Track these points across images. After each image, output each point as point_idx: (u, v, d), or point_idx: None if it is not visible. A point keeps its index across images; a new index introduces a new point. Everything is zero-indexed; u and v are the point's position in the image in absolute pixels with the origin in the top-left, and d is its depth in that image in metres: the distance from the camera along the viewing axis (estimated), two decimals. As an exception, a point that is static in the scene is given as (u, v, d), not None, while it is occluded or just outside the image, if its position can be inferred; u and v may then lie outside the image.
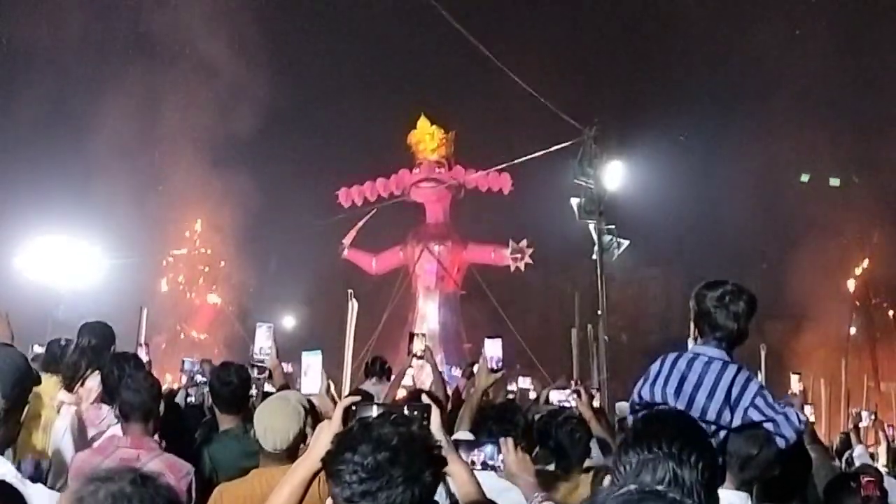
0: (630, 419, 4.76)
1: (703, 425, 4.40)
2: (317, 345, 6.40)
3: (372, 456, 2.59)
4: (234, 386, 6.43)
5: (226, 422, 6.36)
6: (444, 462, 2.79)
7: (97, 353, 6.48)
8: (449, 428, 5.87)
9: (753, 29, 36.32)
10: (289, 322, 35.82)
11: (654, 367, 4.74)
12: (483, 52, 23.86)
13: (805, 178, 38.26)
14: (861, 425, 10.64)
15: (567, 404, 6.96)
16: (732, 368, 4.52)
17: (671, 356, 4.73)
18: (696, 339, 4.75)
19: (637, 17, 35.12)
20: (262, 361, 7.48)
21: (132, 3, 32.87)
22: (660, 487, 2.16)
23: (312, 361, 6.02)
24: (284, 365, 7.95)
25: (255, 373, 8.88)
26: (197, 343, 34.23)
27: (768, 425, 4.41)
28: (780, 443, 4.44)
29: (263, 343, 7.28)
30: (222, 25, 32.38)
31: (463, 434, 5.39)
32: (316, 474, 3.11)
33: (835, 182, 37.76)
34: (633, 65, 35.86)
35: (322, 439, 3.03)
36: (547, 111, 20.97)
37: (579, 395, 7.09)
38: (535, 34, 34.38)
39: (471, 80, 31.55)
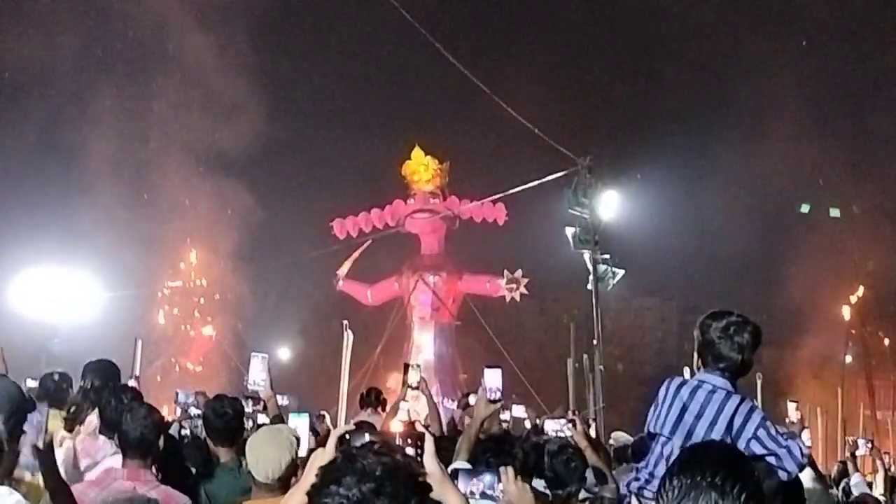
0: (651, 449, 4.74)
1: None
2: (306, 408, 6.37)
3: (357, 487, 2.57)
4: (229, 417, 6.41)
5: (221, 455, 6.34)
6: (430, 489, 2.78)
7: (99, 393, 6.47)
8: (446, 459, 5.85)
9: (749, 59, 36.61)
10: (284, 353, 35.76)
11: (661, 393, 4.73)
12: (477, 84, 23.99)
13: (805, 208, 38.30)
14: (858, 453, 10.59)
15: (562, 434, 6.95)
16: (736, 399, 4.51)
17: (676, 382, 4.71)
18: (698, 369, 4.73)
19: (632, 49, 35.36)
20: (256, 392, 7.45)
21: (126, 33, 32.90)
22: None
23: (299, 423, 5.96)
24: (279, 397, 7.92)
25: (249, 405, 8.84)
26: (192, 374, 34.14)
27: (771, 458, 4.40)
28: (783, 476, 4.42)
29: (258, 373, 7.26)
30: (218, 59, 32.48)
31: (461, 464, 5.37)
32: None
33: (835, 213, 37.81)
34: (627, 95, 36.12)
35: (316, 466, 3.04)
36: (541, 142, 21.06)
37: (575, 425, 7.08)
38: (530, 66, 34.68)
39: (465, 111, 31.77)
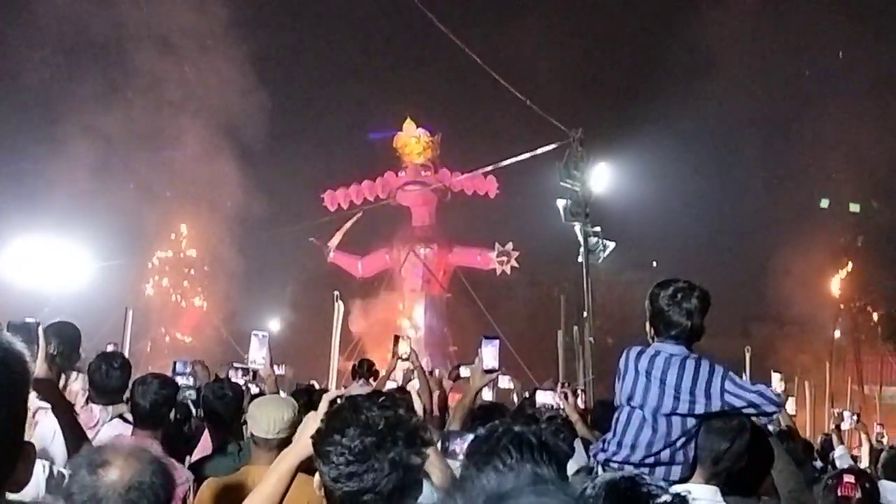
0: (613, 419, 4.77)
1: (677, 419, 4.44)
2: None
3: (359, 439, 2.66)
4: (228, 399, 6.40)
5: (218, 437, 6.31)
6: (430, 444, 2.83)
7: (66, 358, 6.41)
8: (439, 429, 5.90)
9: (746, 31, 36.56)
10: (274, 325, 35.77)
11: (622, 363, 4.76)
12: (469, 56, 23.93)
13: (825, 203, 38.34)
14: (843, 426, 10.65)
15: (554, 405, 7.00)
16: (692, 360, 4.53)
17: (634, 350, 4.73)
18: (652, 339, 4.75)
19: (624, 21, 35.23)
20: (255, 371, 7.48)
21: (117, 11, 32.73)
22: None
23: None
24: (276, 367, 7.94)
25: (239, 376, 8.87)
26: (182, 345, 34.17)
27: (749, 410, 4.44)
28: (764, 420, 4.47)
29: (258, 351, 7.30)
30: (206, 27, 32.35)
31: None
32: (303, 463, 3.15)
33: (854, 208, 37.87)
34: (619, 68, 35.98)
35: (309, 427, 3.08)
36: (533, 114, 21.04)
37: (566, 397, 7.13)
38: (522, 38, 34.46)
39: (458, 84, 31.59)
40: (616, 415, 4.69)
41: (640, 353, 4.67)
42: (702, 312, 4.58)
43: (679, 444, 4.40)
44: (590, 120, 22.13)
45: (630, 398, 4.61)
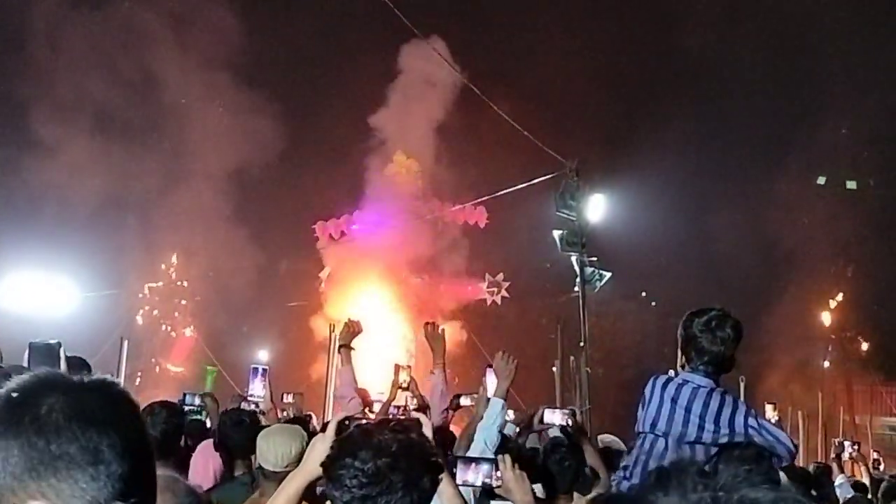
0: (636, 446, 4.78)
1: (700, 448, 4.45)
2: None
3: (372, 462, 2.65)
4: (246, 426, 6.35)
5: (234, 468, 6.25)
6: (442, 469, 2.84)
7: None
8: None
9: (734, 62, 36.77)
10: (264, 355, 35.64)
11: (647, 391, 4.77)
12: (465, 83, 24.01)
13: (822, 180, 38.72)
14: (844, 456, 10.65)
15: (563, 424, 6.97)
16: (718, 394, 4.56)
17: (661, 379, 4.75)
18: (682, 367, 4.76)
19: (621, 50, 35.40)
20: (256, 404, 7.45)
21: (109, 35, 32.74)
22: None
23: None
24: (285, 396, 7.87)
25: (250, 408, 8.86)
26: (172, 376, 34.03)
27: (766, 447, 4.45)
28: (776, 462, 4.49)
29: (258, 385, 7.27)
30: (195, 62, 32.41)
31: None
32: (311, 485, 3.15)
33: (851, 185, 38.16)
34: (615, 97, 36.11)
35: (317, 449, 3.09)
36: (527, 143, 21.09)
37: (574, 415, 7.09)
38: (518, 67, 34.57)
39: (453, 112, 31.64)
40: (639, 442, 4.69)
41: (667, 382, 4.69)
42: (735, 342, 4.60)
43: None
44: (583, 149, 22.15)
45: (654, 425, 4.62)
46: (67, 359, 6.56)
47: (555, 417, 6.88)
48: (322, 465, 2.85)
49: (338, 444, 2.82)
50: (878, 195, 37.07)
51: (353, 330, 7.60)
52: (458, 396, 9.03)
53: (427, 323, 8.05)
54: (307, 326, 31.84)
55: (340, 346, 7.89)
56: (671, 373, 4.92)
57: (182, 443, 6.23)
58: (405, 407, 9.65)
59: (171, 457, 5.40)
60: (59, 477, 1.53)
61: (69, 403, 1.57)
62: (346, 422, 3.15)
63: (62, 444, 1.54)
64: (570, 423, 6.84)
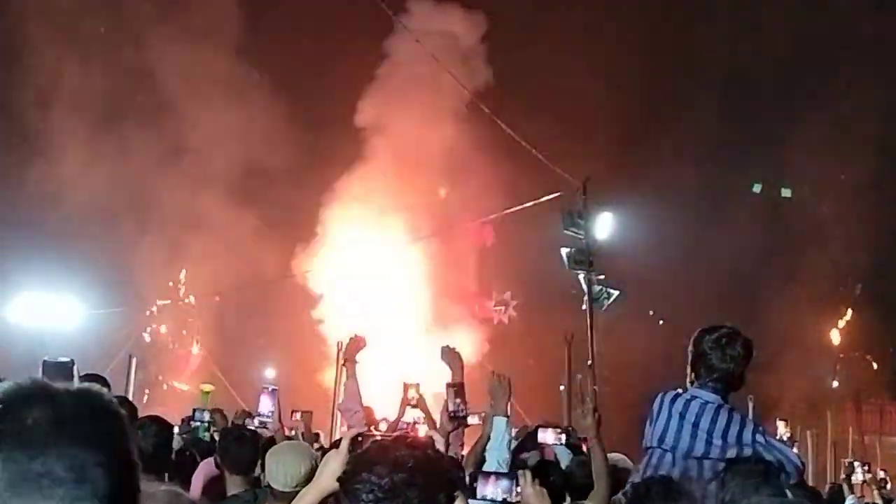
0: (643, 461, 4.77)
1: (708, 462, 4.44)
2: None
3: (389, 477, 2.63)
4: (246, 442, 6.31)
5: (233, 485, 6.20)
6: (457, 486, 2.82)
7: None
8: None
9: (740, 81, 36.83)
10: (270, 373, 35.62)
11: (655, 407, 4.77)
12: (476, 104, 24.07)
13: (757, 188, 39.22)
14: (855, 478, 10.59)
15: (558, 444, 6.93)
16: (726, 410, 4.56)
17: (669, 395, 4.75)
18: (691, 383, 4.76)
19: (629, 68, 35.44)
20: (264, 424, 7.44)
21: (115, 57, 32.91)
22: None
23: None
24: (294, 414, 7.84)
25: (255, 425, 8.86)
26: (179, 393, 34.02)
27: (772, 460, 4.46)
28: (784, 479, 4.49)
29: (267, 406, 7.27)
30: (195, 86, 32.59)
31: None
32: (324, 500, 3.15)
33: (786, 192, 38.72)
34: (622, 116, 36.14)
35: (330, 466, 3.08)
36: (535, 161, 21.15)
37: (568, 433, 7.06)
38: (526, 86, 34.62)
39: (463, 131, 31.69)
40: (647, 458, 4.69)
41: (675, 397, 4.70)
42: (745, 360, 4.60)
43: (709, 486, 4.42)
44: (591, 168, 22.16)
45: (662, 439, 4.62)
46: (84, 376, 6.61)
47: (547, 437, 6.83)
48: (338, 479, 2.85)
49: (354, 458, 2.81)
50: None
51: (357, 345, 7.63)
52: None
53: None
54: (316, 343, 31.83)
55: (345, 361, 7.92)
56: (680, 389, 4.92)
57: (190, 458, 6.19)
58: (414, 424, 9.63)
59: (163, 471, 5.36)
60: (44, 494, 1.46)
61: (55, 416, 1.50)
62: (359, 438, 3.15)
63: (47, 460, 1.47)
64: (563, 441, 6.80)
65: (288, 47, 33.49)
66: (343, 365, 8.27)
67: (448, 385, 6.29)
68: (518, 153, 24.41)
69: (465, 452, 6.50)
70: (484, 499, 3.75)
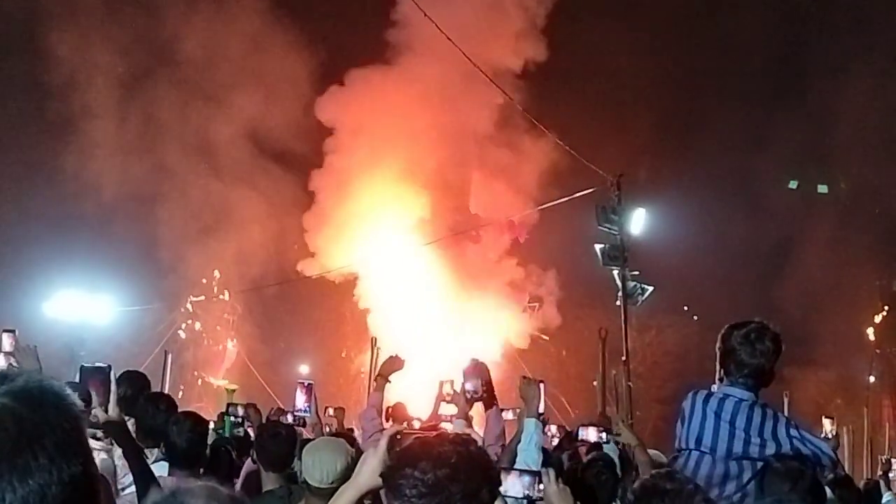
0: (678, 465, 4.72)
1: (748, 462, 4.41)
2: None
3: (432, 472, 2.64)
4: (282, 439, 6.32)
5: (269, 481, 6.22)
6: (500, 482, 2.84)
7: (131, 403, 6.43)
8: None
9: (778, 78, 36.63)
10: (305, 369, 35.75)
11: (687, 407, 4.72)
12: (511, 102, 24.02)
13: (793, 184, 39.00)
14: (892, 474, 10.48)
15: (601, 441, 6.94)
16: (759, 407, 4.53)
17: (702, 394, 4.70)
18: (720, 380, 4.73)
19: (663, 63, 35.31)
20: (302, 420, 7.47)
21: (136, 58, 33.19)
22: None
23: None
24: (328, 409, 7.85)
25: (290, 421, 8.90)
26: (214, 389, 34.18)
27: (808, 454, 4.45)
28: (820, 472, 4.49)
29: (303, 400, 7.30)
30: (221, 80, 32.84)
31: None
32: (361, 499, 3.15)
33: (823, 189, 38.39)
34: (658, 114, 36.01)
35: (368, 464, 3.08)
36: (569, 157, 21.11)
37: (609, 430, 7.05)
38: (561, 85, 34.53)
39: (499, 128, 31.67)
40: (683, 460, 4.65)
41: (708, 396, 4.66)
42: (774, 355, 4.56)
43: (749, 486, 4.39)
44: (625, 164, 22.11)
45: (699, 441, 4.57)
46: (128, 374, 6.71)
47: (589, 434, 6.85)
48: (381, 474, 2.86)
49: (397, 454, 2.82)
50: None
51: (394, 365, 7.70)
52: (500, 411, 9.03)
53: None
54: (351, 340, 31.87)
55: (378, 375, 7.98)
56: (713, 388, 4.89)
57: (227, 453, 6.20)
58: (450, 417, 9.66)
59: (198, 466, 5.38)
60: None
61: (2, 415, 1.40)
62: (398, 436, 3.16)
63: None
64: (606, 438, 6.81)
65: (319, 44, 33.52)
66: (375, 378, 8.32)
67: (465, 371, 6.32)
68: (554, 150, 24.39)
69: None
70: (506, 494, 3.77)
